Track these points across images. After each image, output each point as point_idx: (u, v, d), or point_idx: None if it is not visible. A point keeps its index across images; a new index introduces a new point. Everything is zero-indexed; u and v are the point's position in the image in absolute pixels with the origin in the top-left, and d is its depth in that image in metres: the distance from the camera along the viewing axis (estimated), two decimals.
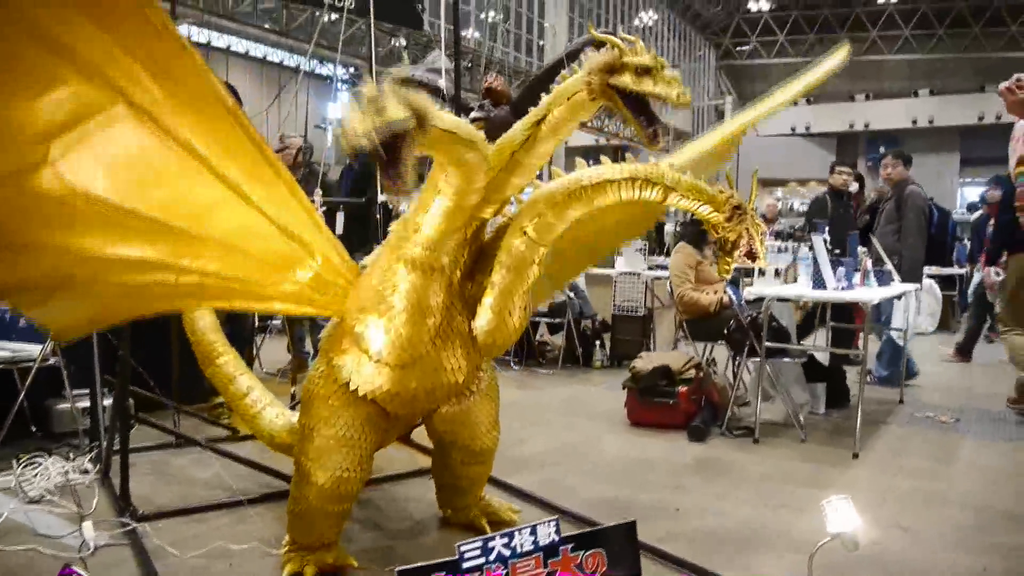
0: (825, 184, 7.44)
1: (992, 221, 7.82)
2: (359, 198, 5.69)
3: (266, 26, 21.96)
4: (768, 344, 4.64)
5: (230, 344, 3.34)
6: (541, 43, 25.38)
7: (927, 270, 7.13)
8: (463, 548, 1.92)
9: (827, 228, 6.31)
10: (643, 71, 2.16)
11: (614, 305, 7.13)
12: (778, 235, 11.13)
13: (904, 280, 5.91)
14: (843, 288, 4.79)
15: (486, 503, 3.15)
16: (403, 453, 3.59)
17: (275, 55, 25.96)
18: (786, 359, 5.03)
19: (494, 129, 2.33)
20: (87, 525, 2.86)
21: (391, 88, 1.86)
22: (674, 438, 4.63)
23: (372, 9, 4.45)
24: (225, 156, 2.22)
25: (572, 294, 6.94)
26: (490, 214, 2.48)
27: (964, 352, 7.80)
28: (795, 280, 5.08)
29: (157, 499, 3.35)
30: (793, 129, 30.22)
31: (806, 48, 32.91)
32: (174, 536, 2.94)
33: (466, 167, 2.20)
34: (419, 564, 1.87)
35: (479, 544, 1.94)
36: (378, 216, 5.16)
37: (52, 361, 3.89)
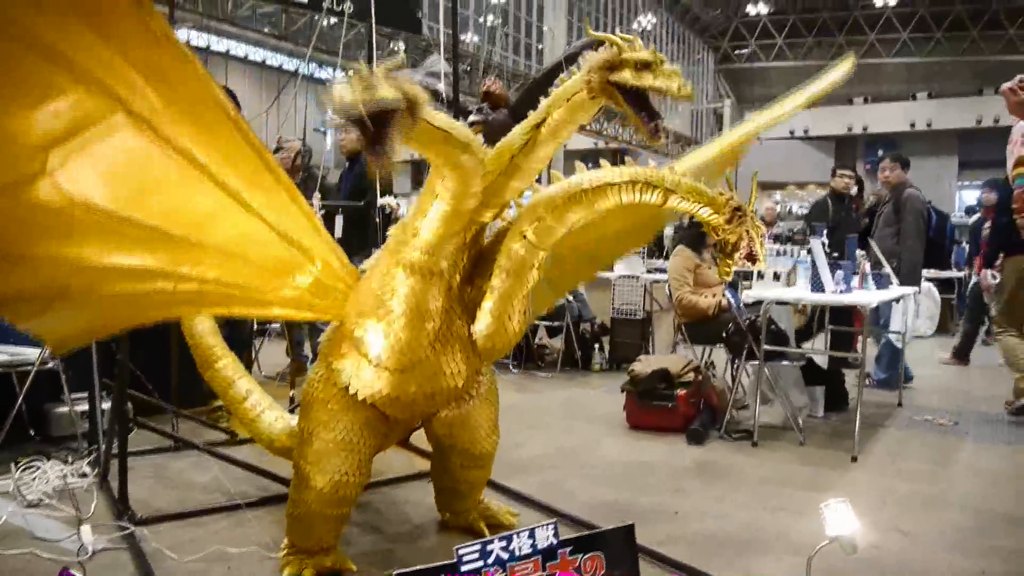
0: (824, 187, 7.46)
1: (988, 224, 7.84)
2: (358, 201, 5.69)
3: (265, 30, 21.96)
4: (767, 347, 4.64)
5: (229, 348, 3.34)
6: (540, 47, 25.40)
7: (925, 273, 7.14)
8: (461, 551, 1.92)
9: (828, 231, 6.33)
10: (643, 66, 2.15)
11: (613, 308, 7.13)
12: (776, 238, 11.12)
13: (903, 283, 5.91)
14: (841, 291, 4.79)
15: (485, 507, 3.15)
16: (402, 456, 3.59)
17: (274, 59, 26.00)
18: (785, 362, 5.03)
19: (493, 133, 2.33)
20: (85, 529, 2.86)
21: (385, 73, 1.85)
22: (673, 441, 4.63)
23: (373, 13, 4.46)
24: (225, 163, 2.22)
25: (571, 297, 6.93)
26: (489, 218, 2.47)
27: (961, 355, 7.81)
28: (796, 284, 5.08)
29: (155, 503, 3.35)
30: (792, 132, 30.26)
31: (804, 51, 32.95)
32: (172, 540, 2.93)
33: (461, 170, 2.19)
34: (417, 568, 1.87)
35: (477, 547, 1.94)
36: (377, 219, 5.15)
37: (51, 365, 3.88)
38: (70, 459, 3.74)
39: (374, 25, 4.39)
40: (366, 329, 2.39)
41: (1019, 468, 4.29)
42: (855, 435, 4.39)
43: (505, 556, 1.96)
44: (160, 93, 2.06)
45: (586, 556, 2.06)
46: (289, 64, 24.19)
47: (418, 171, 28.31)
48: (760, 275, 5.08)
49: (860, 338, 5.04)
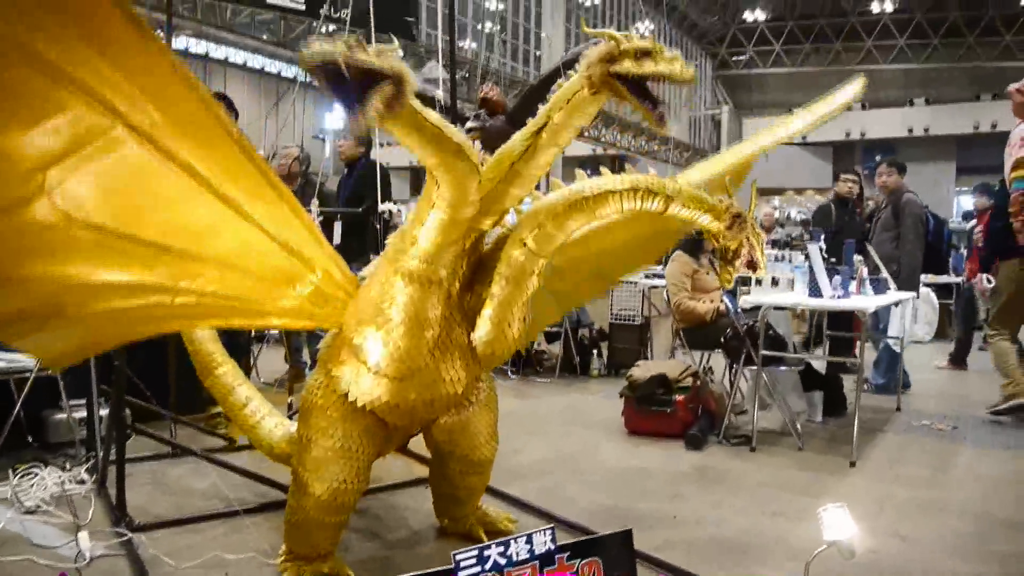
0: (822, 193, 7.49)
1: (979, 228, 7.86)
2: (356, 208, 5.70)
3: (264, 37, 22.01)
4: (765, 352, 4.65)
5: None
6: (538, 53, 25.46)
7: (923, 278, 7.15)
8: (459, 557, 1.92)
9: (831, 236, 6.35)
10: (643, 54, 2.12)
11: (611, 314, 7.13)
12: (775, 243, 11.12)
13: (902, 287, 5.93)
14: (839, 297, 4.80)
15: (483, 513, 3.14)
16: (400, 462, 3.59)
17: (273, 66, 26.07)
18: (783, 367, 5.04)
19: (490, 139, 2.33)
20: (83, 535, 2.85)
21: (379, 49, 1.84)
22: (671, 446, 4.63)
23: (372, 20, 4.48)
24: (226, 177, 2.22)
25: None
26: (489, 225, 2.47)
27: (958, 361, 7.82)
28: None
29: (153, 509, 3.34)
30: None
31: (802, 58, 33.05)
32: (170, 546, 2.93)
33: (454, 174, 2.18)
34: (415, 574, 1.87)
35: (475, 553, 1.94)
36: (377, 225, 5.17)
37: (49, 371, 3.88)
38: (68, 466, 3.73)
39: (373, 32, 4.40)
40: (365, 337, 2.39)
41: (1018, 473, 4.29)
42: (853, 440, 4.39)
43: (503, 561, 1.96)
44: (160, 108, 2.06)
45: (584, 561, 2.06)
46: (288, 71, 24.26)
47: (417, 177, 28.34)
48: (758, 281, 5.09)
49: (858, 343, 5.06)
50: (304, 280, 2.45)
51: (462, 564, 1.92)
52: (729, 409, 4.91)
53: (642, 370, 5.08)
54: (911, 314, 5.92)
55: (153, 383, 4.19)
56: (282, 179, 2.43)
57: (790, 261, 5.36)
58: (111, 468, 3.38)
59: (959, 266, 10.58)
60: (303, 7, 4.60)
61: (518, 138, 2.34)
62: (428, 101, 2.08)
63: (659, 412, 4.88)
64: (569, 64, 2.31)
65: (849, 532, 2.28)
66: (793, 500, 3.69)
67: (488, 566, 1.94)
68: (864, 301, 4.88)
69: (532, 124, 2.33)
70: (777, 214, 18.69)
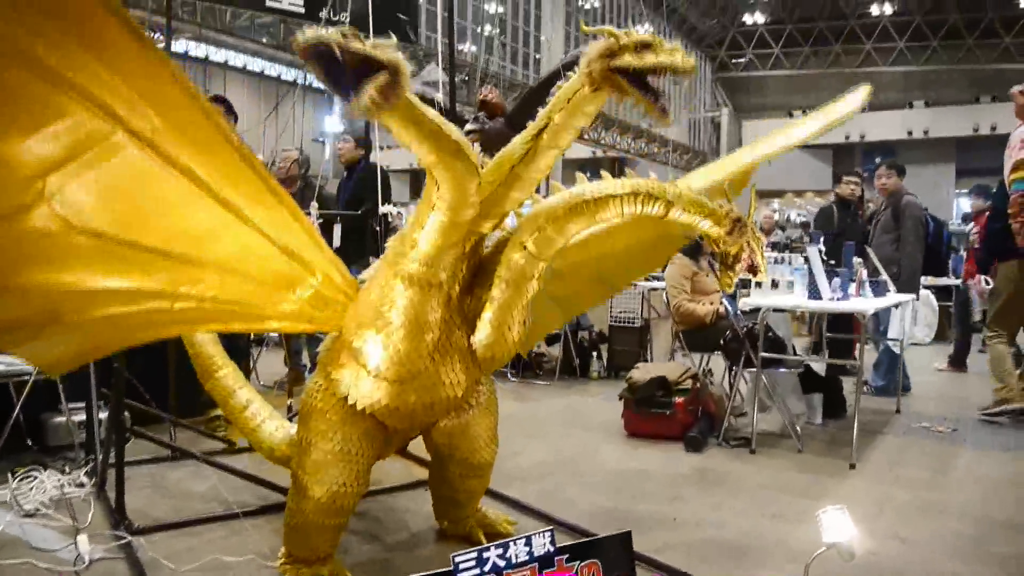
0: (821, 195, 7.49)
1: (975, 230, 7.87)
2: (356, 210, 5.71)
3: (263, 40, 22.04)
4: (764, 355, 4.65)
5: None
6: (537, 56, 25.48)
7: (923, 281, 7.15)
8: (458, 559, 1.92)
9: (833, 238, 6.35)
10: (642, 47, 2.10)
11: (611, 316, 7.13)
12: (774, 246, 11.12)
13: (902, 288, 5.94)
14: (838, 299, 4.80)
15: (483, 515, 3.14)
16: (400, 465, 3.59)
17: (273, 69, 26.10)
18: (782, 369, 5.04)
19: (489, 142, 2.33)
20: (82, 538, 2.85)
21: (376, 42, 1.83)
22: (671, 449, 4.63)
23: (371, 24, 4.48)
24: (226, 182, 2.22)
25: None
26: (489, 229, 2.46)
27: (957, 363, 7.82)
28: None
29: (153, 512, 3.34)
30: None
31: (801, 60, 33.06)
32: (169, 549, 2.93)
33: (454, 173, 2.16)
34: (413, 575, 1.87)
35: (474, 555, 1.94)
36: (378, 228, 5.17)
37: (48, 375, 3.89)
38: (67, 469, 3.74)
39: (371, 35, 4.39)
40: (365, 340, 2.39)
41: (1017, 475, 4.29)
42: (853, 442, 4.39)
43: (502, 564, 1.96)
44: (160, 114, 2.06)
45: (583, 563, 2.06)
46: (287, 74, 24.28)
47: (417, 180, 28.36)
48: (758, 283, 5.09)
49: (858, 345, 5.06)
50: (304, 284, 2.45)
51: (461, 566, 1.92)
52: (729, 411, 4.92)
53: (642, 372, 5.08)
54: (910, 316, 5.92)
55: (152, 386, 4.19)
56: (281, 182, 2.43)
57: (789, 263, 5.35)
58: (110, 471, 3.38)
59: (959, 268, 10.58)
60: (302, 10, 4.60)
61: (518, 141, 2.32)
62: (428, 104, 2.06)
63: (659, 414, 4.88)
64: (568, 66, 2.30)
65: (849, 534, 2.28)
66: (793, 502, 3.69)
67: (487, 568, 1.94)
68: (863, 303, 4.88)
69: (532, 127, 2.31)
70: (777, 216, 18.69)
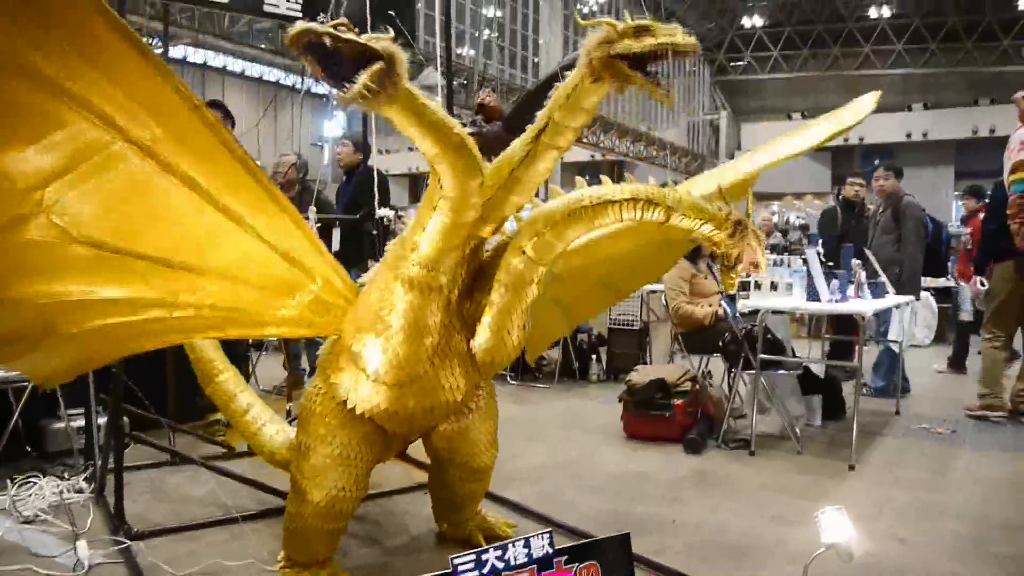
0: (820, 197, 7.48)
1: (968, 231, 7.88)
2: (354, 214, 5.71)
3: (262, 46, 22.07)
4: (763, 356, 4.65)
5: None
6: (536, 60, 25.50)
7: (923, 282, 7.16)
8: (457, 561, 1.92)
9: (837, 240, 6.35)
10: (641, 31, 2.05)
11: (610, 319, 7.13)
12: (773, 248, 11.12)
13: (904, 289, 5.95)
14: (837, 300, 4.81)
15: (482, 518, 3.14)
16: (399, 468, 3.59)
17: (271, 74, 26.13)
18: (781, 371, 5.04)
19: (487, 145, 2.31)
20: (81, 544, 2.86)
21: (371, 35, 1.83)
22: (670, 451, 4.63)
23: (369, 28, 4.49)
24: (227, 190, 2.22)
25: None
26: (488, 233, 2.45)
27: (956, 364, 7.82)
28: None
29: (152, 517, 3.34)
30: None
31: (800, 63, 33.04)
32: (169, 554, 2.93)
33: (457, 168, 2.13)
34: None
35: (473, 557, 1.94)
36: (374, 232, 5.17)
37: None
38: (66, 475, 3.74)
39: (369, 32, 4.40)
40: (364, 344, 2.38)
41: (1016, 476, 4.29)
42: (852, 444, 4.39)
43: (500, 566, 1.96)
44: (161, 123, 2.06)
45: (582, 565, 2.06)
46: (286, 79, 24.29)
47: (416, 184, 28.38)
48: (757, 285, 5.10)
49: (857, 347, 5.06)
50: (304, 289, 2.45)
51: (460, 569, 1.92)
52: (728, 413, 4.92)
53: (641, 375, 5.08)
54: (908, 317, 5.92)
55: (151, 391, 4.19)
56: (279, 186, 2.44)
57: (788, 266, 5.35)
58: (109, 476, 3.38)
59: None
60: (300, 14, 4.61)
61: (518, 144, 2.30)
62: None
63: (658, 416, 4.88)
64: (566, 69, 2.28)
65: (847, 535, 2.28)
66: (792, 504, 3.69)
67: (486, 570, 1.94)
68: (861, 305, 4.88)
69: (532, 129, 2.29)
70: (776, 219, 18.70)
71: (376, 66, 1.80)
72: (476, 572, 1.93)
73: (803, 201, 29.37)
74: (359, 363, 2.40)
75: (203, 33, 18.83)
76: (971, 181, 9.61)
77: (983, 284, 5.84)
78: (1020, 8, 27.66)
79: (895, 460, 4.55)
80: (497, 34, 24.33)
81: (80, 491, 3.59)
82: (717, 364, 5.64)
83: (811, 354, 6.64)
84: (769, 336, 4.79)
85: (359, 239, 5.50)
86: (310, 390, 2.63)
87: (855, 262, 5.56)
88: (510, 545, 1.99)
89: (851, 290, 5.09)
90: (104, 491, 3.49)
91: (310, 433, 2.55)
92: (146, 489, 3.74)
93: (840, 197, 7.28)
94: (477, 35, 23.30)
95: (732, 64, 34.78)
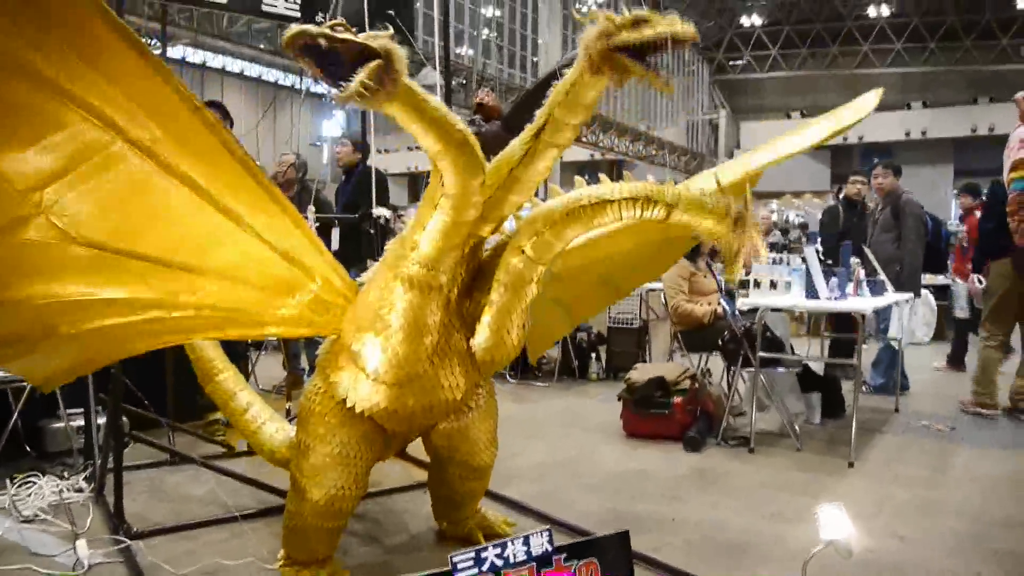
0: (819, 196, 7.47)
1: (964, 228, 7.88)
2: (353, 214, 5.71)
3: (261, 46, 22.06)
4: (762, 354, 4.66)
5: None
6: (535, 60, 25.50)
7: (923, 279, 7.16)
8: (456, 559, 1.92)
9: (838, 238, 6.35)
10: (640, 21, 2.03)
11: (609, 317, 7.14)
12: (772, 247, 11.11)
13: (905, 286, 5.96)
14: (836, 298, 4.81)
15: (482, 516, 3.14)
16: (399, 467, 3.59)
17: (270, 74, 26.12)
18: (780, 369, 5.04)
19: (486, 144, 2.31)
20: (81, 543, 2.86)
21: (369, 33, 1.82)
22: (670, 449, 4.63)
23: (367, 27, 4.49)
24: (227, 190, 2.22)
25: None
26: (488, 232, 2.45)
27: (955, 361, 7.83)
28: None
29: (152, 516, 3.34)
30: None
31: (799, 62, 33.04)
32: (168, 553, 2.93)
33: (459, 165, 2.11)
34: (412, 575, 1.87)
35: (472, 555, 1.94)
36: (371, 231, 5.16)
37: None
38: (66, 474, 3.74)
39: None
40: (364, 343, 2.38)
41: (1016, 473, 4.29)
42: (852, 441, 4.39)
43: (499, 563, 1.96)
44: (160, 124, 2.06)
45: (581, 562, 2.06)
46: (285, 79, 24.28)
47: (415, 184, 28.36)
48: (756, 283, 5.10)
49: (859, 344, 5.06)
50: (304, 289, 2.45)
51: (459, 566, 1.92)
52: (727, 411, 4.92)
53: (640, 373, 5.09)
54: (908, 314, 5.92)
55: (150, 391, 4.19)
56: (278, 186, 2.43)
57: (788, 264, 5.35)
58: (109, 476, 3.39)
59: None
60: (298, 14, 4.61)
61: (517, 143, 2.30)
62: None
63: (657, 414, 4.88)
64: (565, 67, 2.28)
65: (846, 531, 2.28)
66: (791, 501, 3.69)
67: (485, 568, 1.94)
68: (860, 303, 4.89)
69: (531, 127, 2.28)
70: (775, 217, 18.67)
71: (373, 64, 1.79)
72: (475, 570, 1.93)
73: (802, 200, 29.37)
74: (359, 362, 2.40)
75: (202, 34, 18.82)
76: (970, 179, 9.60)
77: (981, 282, 5.85)
78: (1019, 7, 27.67)
79: (894, 457, 4.55)
80: (496, 33, 24.32)
81: (80, 491, 3.59)
82: (716, 362, 5.64)
83: (810, 352, 6.63)
84: (768, 334, 4.79)
85: (358, 238, 5.49)
86: (310, 389, 2.63)
87: (854, 260, 5.57)
88: (509, 543, 1.99)
89: (850, 288, 5.10)
90: (104, 490, 3.50)
91: (310, 432, 2.56)
92: (146, 488, 3.74)
93: (842, 196, 7.28)
94: (476, 35, 23.29)
95: (731, 63, 34.78)
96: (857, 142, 29.32)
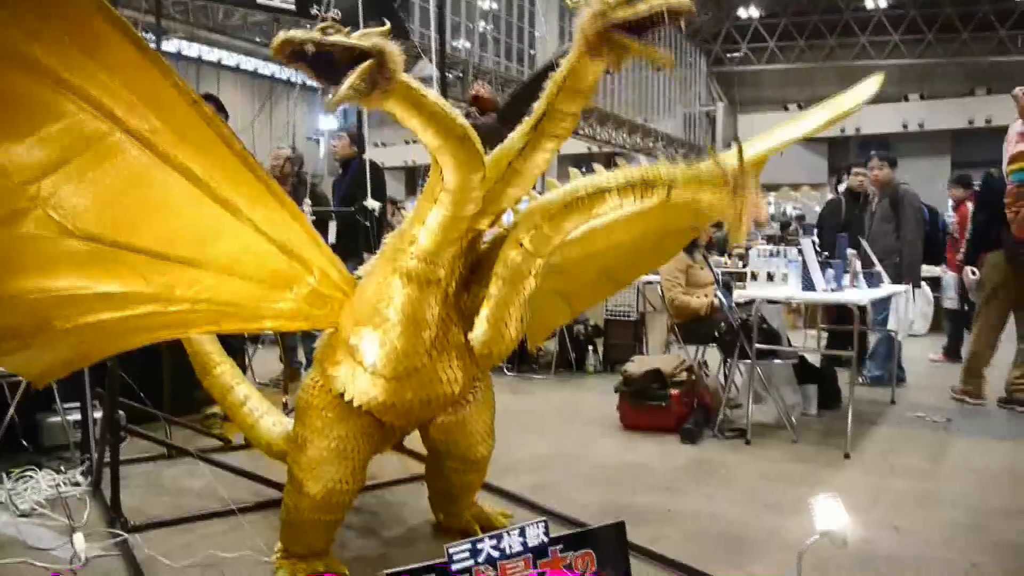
0: (817, 188, 7.47)
1: (955, 219, 7.90)
2: (350, 207, 5.71)
3: (256, 39, 21.99)
4: (759, 346, 4.66)
5: None
6: (532, 52, 25.44)
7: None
8: (452, 550, 1.93)
9: (839, 230, 6.34)
10: None
11: (606, 310, 7.14)
12: (770, 239, 11.12)
13: (904, 276, 5.97)
14: (832, 290, 4.81)
15: (479, 508, 3.15)
16: (396, 460, 3.60)
17: (266, 68, 26.05)
18: (777, 361, 5.05)
19: (481, 137, 2.31)
20: (78, 537, 2.85)
21: (363, 32, 1.81)
22: (666, 441, 4.64)
23: (361, 19, 4.47)
24: (225, 182, 2.21)
25: None
26: (486, 225, 2.45)
27: (951, 353, 7.85)
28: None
29: (149, 510, 3.34)
30: None
31: (796, 54, 33.00)
32: (166, 546, 2.93)
33: (459, 159, 2.09)
34: (407, 567, 1.88)
35: (468, 546, 1.95)
36: (367, 224, 5.16)
37: None
38: (63, 468, 3.74)
39: (362, 28, 4.38)
40: (362, 337, 2.38)
41: (1011, 464, 4.31)
42: (848, 432, 4.41)
43: (496, 554, 1.97)
44: (159, 116, 2.05)
45: (577, 554, 2.07)
46: (281, 73, 24.22)
47: (412, 177, 28.33)
48: (753, 275, 5.10)
49: (860, 336, 5.07)
50: (302, 282, 2.44)
51: (455, 557, 1.92)
52: (724, 403, 4.93)
53: (637, 365, 5.09)
54: (905, 306, 5.92)
55: (147, 384, 4.19)
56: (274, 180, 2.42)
57: (784, 256, 5.35)
58: (106, 470, 3.38)
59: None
60: (293, 7, 4.59)
61: (516, 136, 2.29)
62: None
63: (654, 407, 4.89)
64: (561, 58, 2.27)
65: (841, 522, 2.28)
66: (788, 492, 3.70)
67: (481, 559, 1.95)
68: (857, 294, 4.89)
69: (531, 119, 2.26)
70: (772, 210, 18.69)
71: (364, 65, 1.78)
72: (471, 561, 1.94)
73: (799, 192, 29.37)
74: (357, 356, 2.40)
75: (197, 27, 18.77)
76: (968, 171, 9.59)
77: (975, 273, 5.86)
78: None
79: (890, 449, 4.56)
80: (492, 26, 24.26)
81: (77, 484, 3.60)
82: (713, 354, 5.66)
83: (806, 343, 6.64)
84: (765, 326, 4.80)
85: (355, 232, 5.49)
86: (308, 383, 2.63)
87: (850, 252, 5.57)
88: (505, 534, 2.00)
89: (846, 280, 5.10)
90: (101, 484, 3.50)
91: (307, 426, 2.56)
92: (143, 482, 3.74)
93: (844, 188, 7.27)
94: (472, 27, 23.23)
95: (728, 55, 34.74)
96: (854, 134, 29.33)
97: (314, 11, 4.47)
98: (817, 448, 4.54)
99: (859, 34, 31.88)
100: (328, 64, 1.79)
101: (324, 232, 5.43)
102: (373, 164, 5.77)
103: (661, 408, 4.87)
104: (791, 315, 8.25)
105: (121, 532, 3.02)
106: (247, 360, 5.84)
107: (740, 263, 9.52)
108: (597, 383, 6.51)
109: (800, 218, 17.13)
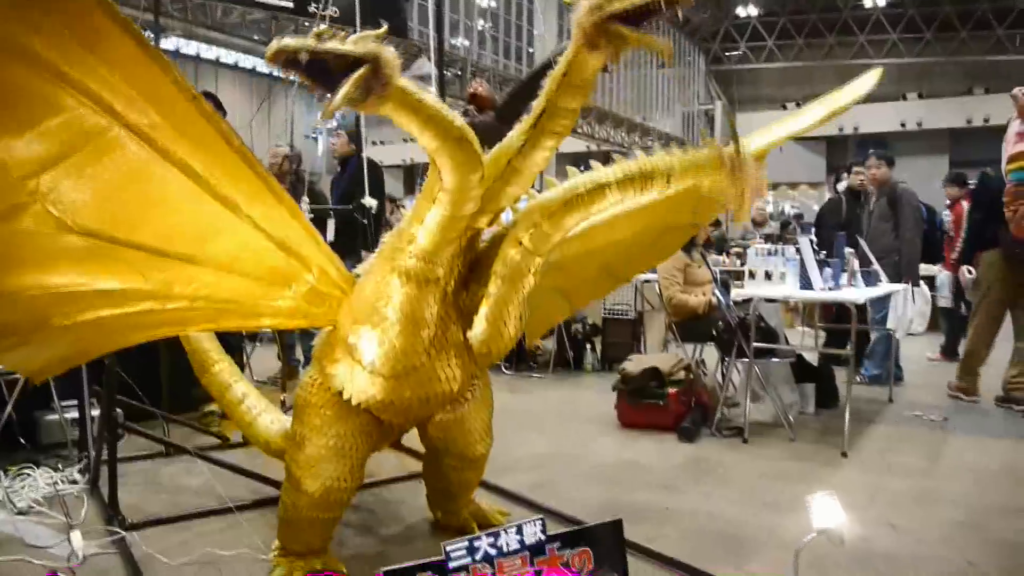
0: (815, 187, 7.47)
1: (951, 219, 7.92)
2: (348, 205, 5.71)
3: (255, 37, 21.91)
4: (756, 345, 4.67)
5: None
6: (530, 50, 25.41)
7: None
8: (449, 548, 1.93)
9: (838, 229, 6.35)
10: None
11: (604, 308, 7.15)
12: (768, 237, 11.10)
13: (904, 275, 5.97)
14: (830, 289, 4.82)
15: (476, 506, 3.15)
16: (394, 457, 3.60)
17: (264, 66, 25.96)
18: (775, 359, 5.05)
19: (478, 135, 2.30)
20: (76, 535, 2.85)
21: (358, 35, 1.81)
22: (664, 439, 4.65)
23: (358, 16, 4.46)
24: (225, 179, 2.21)
25: None
26: (484, 224, 2.45)
27: (949, 352, 7.86)
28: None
29: (146, 508, 3.34)
30: None
31: (795, 53, 32.98)
32: (163, 544, 2.93)
33: (457, 160, 2.09)
34: (405, 564, 1.88)
35: (465, 544, 1.95)
36: (365, 222, 5.16)
37: None
38: (60, 466, 3.74)
39: (359, 27, 4.39)
40: (361, 335, 2.38)
41: (1008, 462, 4.31)
42: (845, 431, 4.41)
43: (493, 552, 1.97)
44: (159, 112, 2.04)
45: (574, 551, 2.07)
46: (279, 71, 24.13)
47: (411, 176, 28.30)
48: (751, 274, 5.10)
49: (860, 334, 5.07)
50: (300, 280, 2.44)
51: (453, 555, 1.92)
52: (721, 401, 4.93)
53: (635, 364, 5.10)
54: (903, 305, 5.93)
55: (145, 382, 4.19)
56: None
57: (782, 254, 5.36)
58: (103, 468, 3.38)
59: None
60: (291, 4, 4.58)
61: (516, 134, 2.29)
62: None
63: (652, 405, 4.90)
64: (559, 56, 2.27)
65: (838, 520, 2.29)
66: (785, 491, 3.71)
67: (479, 556, 1.95)
68: (854, 293, 4.90)
69: (530, 117, 2.26)
70: (771, 208, 18.69)
71: (358, 73, 1.78)
72: (469, 559, 1.94)
73: (797, 191, 29.37)
74: (355, 354, 2.40)
75: (195, 25, 18.72)
76: (966, 170, 9.59)
77: (971, 272, 5.87)
78: None
79: (888, 447, 4.57)
80: (491, 24, 24.23)
81: (74, 482, 3.60)
82: (711, 353, 5.66)
83: (804, 342, 6.64)
84: (762, 324, 4.80)
85: (354, 230, 5.50)
86: (306, 381, 2.63)
87: (848, 251, 5.57)
88: (503, 532, 2.00)
89: (844, 278, 5.10)
90: (98, 482, 3.49)
91: (306, 424, 2.56)
92: (140, 480, 3.74)
93: (844, 187, 7.27)
94: (471, 25, 23.20)
95: (727, 54, 34.73)
96: (853, 133, 29.34)
97: (312, 9, 4.48)
98: (815, 446, 4.55)
99: (858, 33, 31.89)
100: (323, 71, 1.79)
101: (322, 230, 5.42)
102: (371, 162, 5.77)
103: (659, 407, 4.87)
104: (789, 314, 8.25)
105: (119, 530, 3.02)
106: (245, 358, 5.84)
107: (738, 262, 9.52)
108: (595, 382, 6.52)
109: (798, 217, 17.13)
